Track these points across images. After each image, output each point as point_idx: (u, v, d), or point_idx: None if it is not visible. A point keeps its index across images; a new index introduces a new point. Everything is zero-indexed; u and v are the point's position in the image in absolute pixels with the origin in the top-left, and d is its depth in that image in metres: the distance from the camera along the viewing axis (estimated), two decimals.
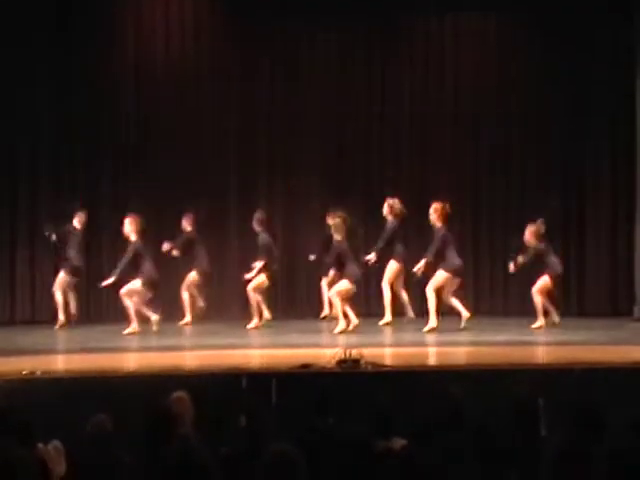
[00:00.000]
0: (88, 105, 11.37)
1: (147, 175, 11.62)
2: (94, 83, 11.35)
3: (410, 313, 10.34)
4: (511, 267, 10.17)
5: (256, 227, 10.64)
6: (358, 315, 9.85)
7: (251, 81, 11.75)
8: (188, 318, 10.77)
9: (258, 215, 10.70)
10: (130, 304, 9.99)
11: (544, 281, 10.17)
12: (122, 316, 10.84)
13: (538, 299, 10.11)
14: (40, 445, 4.19)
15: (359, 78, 11.84)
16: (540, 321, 10.03)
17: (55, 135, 11.46)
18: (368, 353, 6.87)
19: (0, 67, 11.01)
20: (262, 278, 10.57)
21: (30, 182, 11.44)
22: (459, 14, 11.74)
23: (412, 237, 11.06)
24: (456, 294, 9.94)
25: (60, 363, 7.18)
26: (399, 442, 4.30)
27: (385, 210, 10.42)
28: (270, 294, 11.01)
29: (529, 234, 10.17)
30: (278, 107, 11.76)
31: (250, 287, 10.54)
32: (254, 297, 10.56)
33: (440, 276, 9.79)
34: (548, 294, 10.23)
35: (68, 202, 11.10)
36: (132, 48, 11.73)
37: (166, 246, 10.66)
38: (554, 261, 10.31)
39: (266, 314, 10.69)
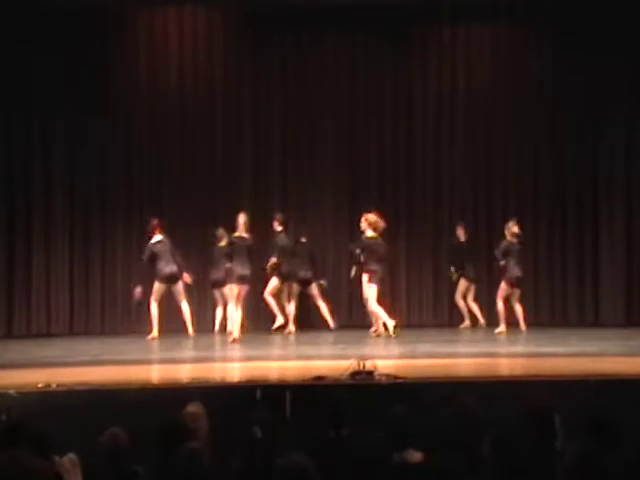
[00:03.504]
0: (103, 118, 11.46)
1: (159, 183, 11.71)
2: (107, 96, 11.44)
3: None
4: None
5: (276, 227, 10.83)
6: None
7: (264, 91, 11.83)
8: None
9: (278, 216, 10.87)
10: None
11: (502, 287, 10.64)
12: (137, 327, 10.94)
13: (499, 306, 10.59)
14: (56, 457, 4.21)
15: (371, 87, 11.89)
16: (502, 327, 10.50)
17: (70, 145, 11.54)
18: (382, 365, 6.86)
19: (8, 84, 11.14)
20: (275, 281, 10.78)
21: (45, 198, 11.52)
22: (471, 22, 11.79)
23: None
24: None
25: (75, 376, 7.19)
26: (414, 455, 4.29)
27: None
28: (284, 303, 11.07)
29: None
30: (292, 116, 11.84)
31: (266, 292, 10.79)
32: (272, 301, 10.79)
33: None
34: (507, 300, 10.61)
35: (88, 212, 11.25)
36: (144, 63, 11.81)
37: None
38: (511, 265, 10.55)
39: (280, 319, 10.86)
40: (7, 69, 11.10)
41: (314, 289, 11.11)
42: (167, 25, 11.86)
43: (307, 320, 11.42)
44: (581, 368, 7.40)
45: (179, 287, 10.61)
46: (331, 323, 11.00)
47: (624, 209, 11.54)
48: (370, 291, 10.12)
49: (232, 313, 10.18)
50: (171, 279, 10.54)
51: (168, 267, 10.45)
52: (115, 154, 11.62)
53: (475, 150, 11.82)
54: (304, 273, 11.09)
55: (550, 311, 11.61)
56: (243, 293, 10.22)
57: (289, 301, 11.12)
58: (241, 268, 10.18)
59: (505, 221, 11.19)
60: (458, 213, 11.74)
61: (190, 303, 10.78)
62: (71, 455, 4.33)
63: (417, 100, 11.92)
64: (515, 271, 10.59)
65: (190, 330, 10.62)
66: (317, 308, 11.15)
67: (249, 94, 11.83)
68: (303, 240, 11.27)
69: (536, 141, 11.68)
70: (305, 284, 11.12)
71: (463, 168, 11.83)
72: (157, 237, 10.57)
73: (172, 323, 10.73)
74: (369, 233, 10.26)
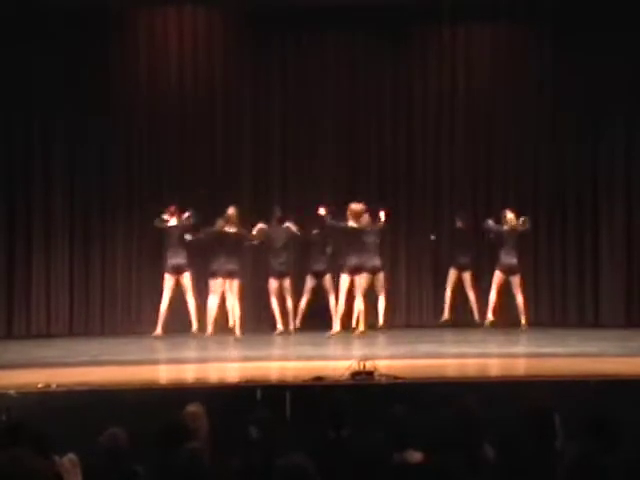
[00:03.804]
0: (103, 118, 11.46)
1: (159, 183, 11.71)
2: (107, 96, 11.44)
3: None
4: None
5: (273, 222, 10.89)
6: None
7: (264, 91, 11.83)
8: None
9: (277, 212, 10.90)
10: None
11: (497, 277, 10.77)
12: (137, 328, 10.92)
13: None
14: (56, 457, 4.21)
15: (371, 87, 11.89)
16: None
17: (70, 145, 11.53)
18: (382, 365, 6.86)
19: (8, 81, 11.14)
20: (272, 283, 10.75)
21: (45, 198, 11.50)
22: (471, 22, 11.79)
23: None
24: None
25: (75, 376, 7.19)
26: (414, 455, 4.29)
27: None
28: (284, 304, 11.04)
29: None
30: (292, 116, 11.84)
31: (271, 298, 10.78)
32: (275, 307, 10.75)
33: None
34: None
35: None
36: (144, 63, 11.80)
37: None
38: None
39: (279, 326, 10.74)
40: (7, 69, 11.10)
41: (328, 282, 10.94)
42: (167, 25, 11.85)
43: (307, 320, 11.40)
44: (581, 368, 7.41)
45: (186, 279, 10.56)
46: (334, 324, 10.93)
47: (624, 209, 11.53)
48: (340, 281, 10.21)
49: (210, 306, 10.27)
50: (177, 269, 10.50)
51: (174, 258, 10.44)
52: (115, 154, 11.62)
53: (475, 150, 11.82)
54: (319, 265, 10.98)
55: (550, 311, 11.61)
56: (236, 287, 10.23)
57: (300, 297, 10.90)
58: (228, 262, 10.18)
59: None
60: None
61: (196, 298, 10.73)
62: (71, 455, 4.34)
63: (417, 100, 11.92)
64: (507, 259, 10.66)
65: (194, 326, 10.57)
66: (327, 303, 10.94)
67: (249, 94, 11.83)
68: (316, 231, 11.11)
69: (536, 141, 11.67)
70: (320, 276, 10.95)
71: (463, 168, 11.82)
72: (171, 222, 10.62)
73: (173, 324, 10.71)
74: (350, 223, 10.36)
